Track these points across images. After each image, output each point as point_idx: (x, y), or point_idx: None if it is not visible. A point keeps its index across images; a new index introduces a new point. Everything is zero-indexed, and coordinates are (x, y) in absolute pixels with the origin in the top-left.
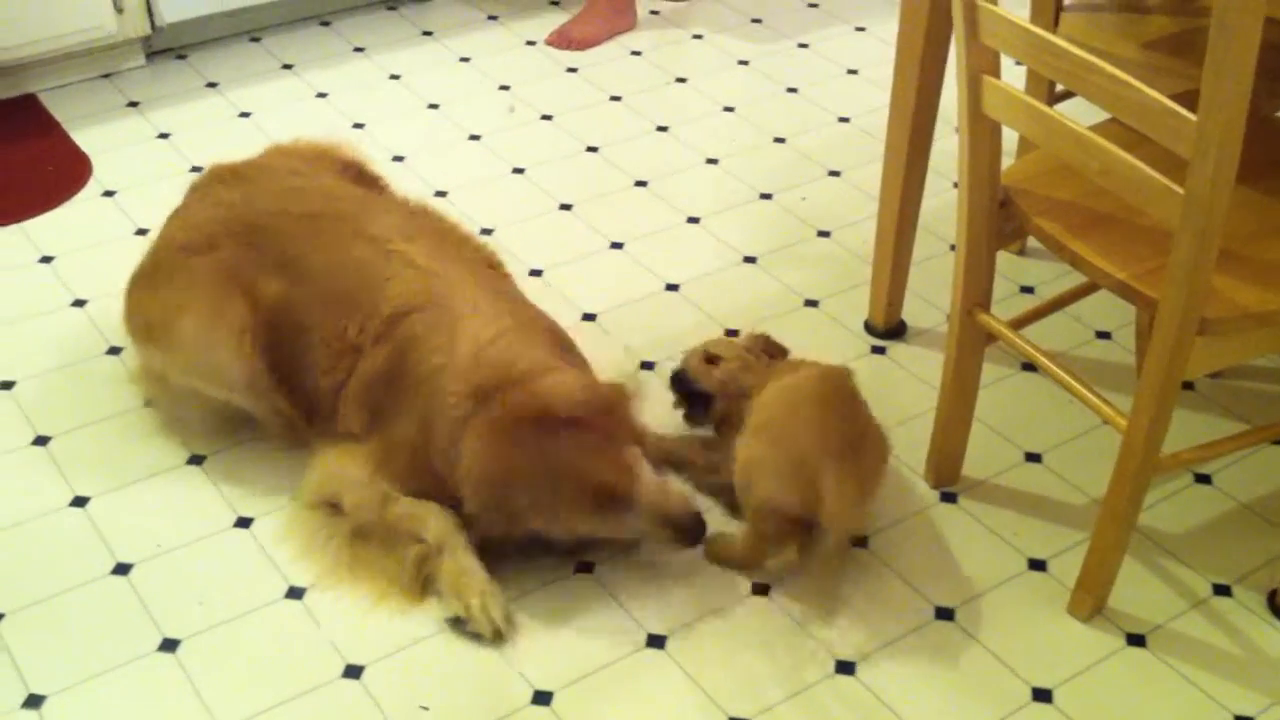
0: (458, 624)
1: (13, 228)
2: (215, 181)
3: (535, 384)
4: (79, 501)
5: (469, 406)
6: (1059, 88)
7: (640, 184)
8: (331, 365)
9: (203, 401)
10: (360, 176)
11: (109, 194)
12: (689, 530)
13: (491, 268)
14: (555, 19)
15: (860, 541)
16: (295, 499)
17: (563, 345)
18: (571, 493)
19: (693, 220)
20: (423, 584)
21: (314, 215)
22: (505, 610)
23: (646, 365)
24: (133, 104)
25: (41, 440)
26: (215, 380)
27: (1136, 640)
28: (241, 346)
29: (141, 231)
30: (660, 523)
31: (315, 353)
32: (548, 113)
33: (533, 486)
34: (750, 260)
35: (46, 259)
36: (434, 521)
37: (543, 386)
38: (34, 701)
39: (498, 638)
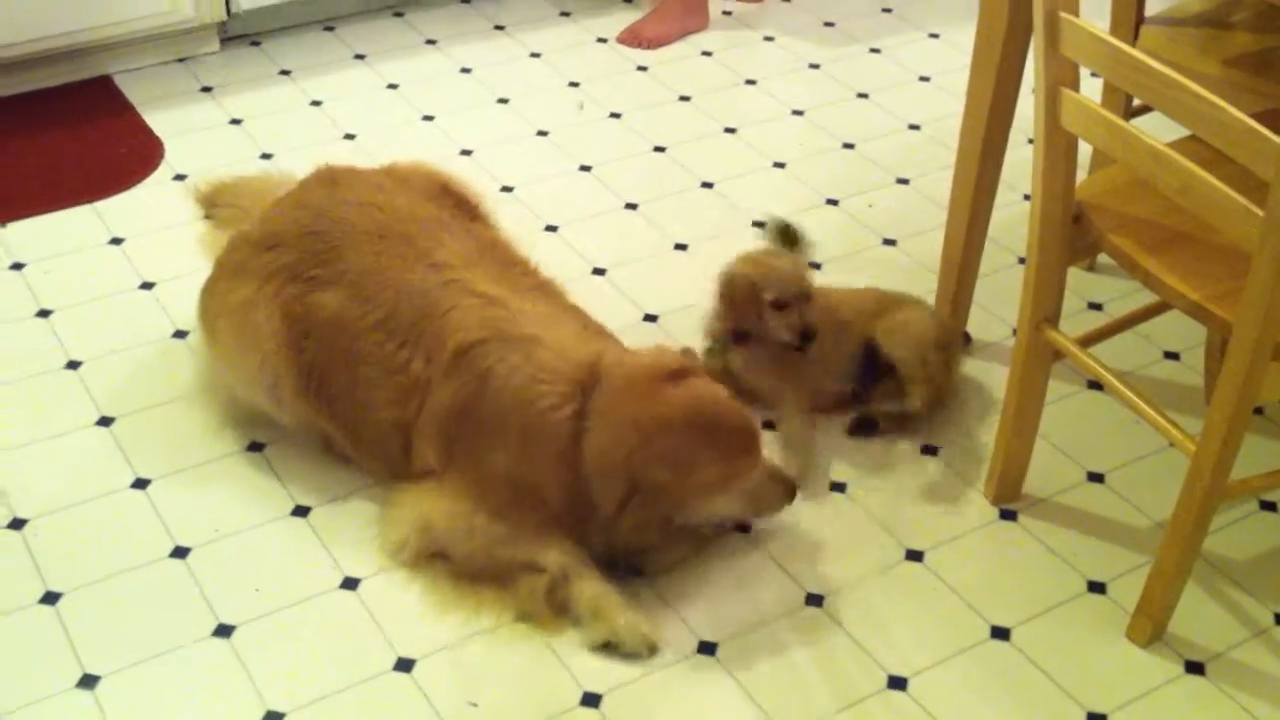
0: (607, 648)
1: (85, 208)
2: (315, 181)
3: (628, 361)
4: (140, 483)
5: (574, 403)
6: (1135, 101)
7: (706, 185)
8: (399, 399)
9: (241, 400)
10: (458, 202)
11: (180, 178)
12: (792, 485)
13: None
14: (627, 17)
15: (917, 556)
16: (393, 556)
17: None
18: (711, 438)
19: (759, 224)
20: (557, 612)
21: (379, 234)
22: (653, 626)
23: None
24: (206, 89)
25: (105, 421)
26: (244, 382)
27: (1195, 668)
28: (267, 354)
29: (211, 216)
30: (773, 477)
31: (375, 382)
32: (616, 111)
33: (671, 443)
34: (814, 266)
35: (117, 240)
36: (552, 550)
37: (636, 359)
38: (88, 681)
39: (653, 653)
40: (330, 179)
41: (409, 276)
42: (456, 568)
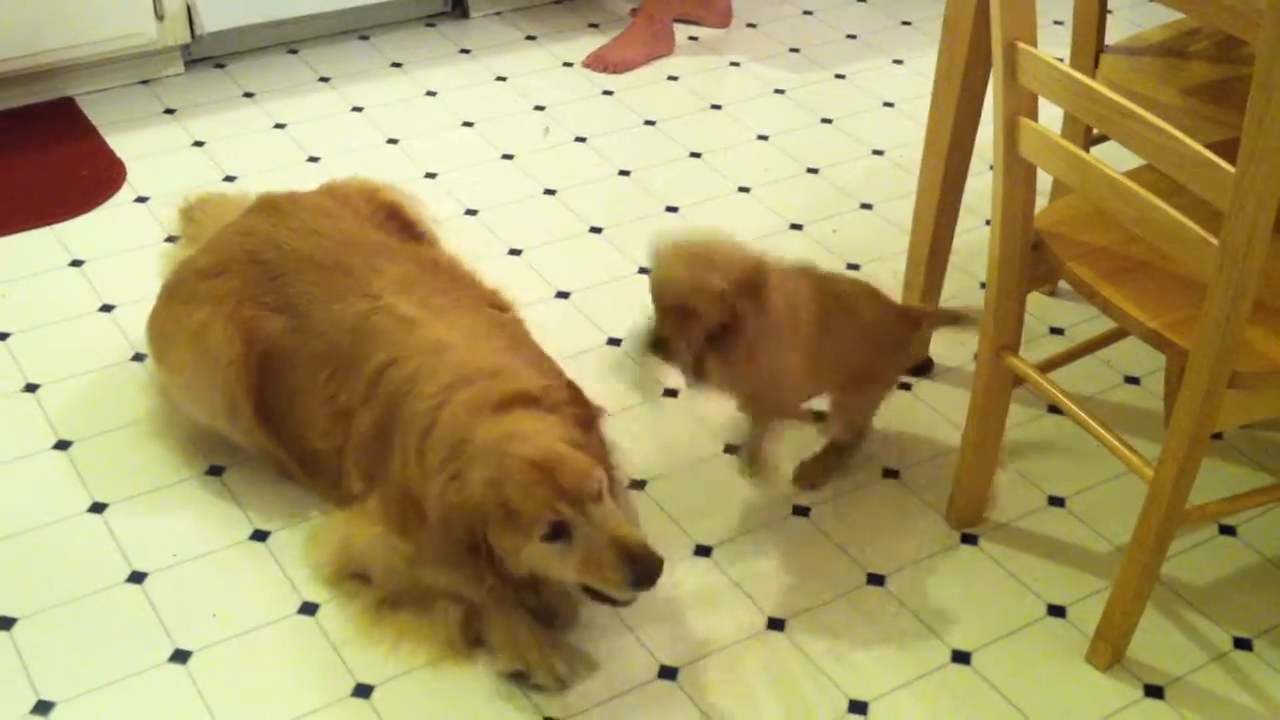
0: (518, 678)
1: (45, 230)
2: (257, 209)
3: (499, 381)
4: (97, 508)
5: (439, 397)
6: (1096, 129)
7: (671, 210)
8: (329, 428)
9: (199, 425)
10: (403, 224)
11: (141, 200)
12: (645, 565)
13: (498, 309)
14: (593, 41)
15: (878, 579)
16: (315, 575)
17: (552, 372)
18: (528, 464)
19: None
20: (471, 643)
21: (321, 262)
22: (567, 657)
23: (670, 393)
24: (169, 111)
25: (62, 445)
26: (202, 407)
27: (1155, 692)
28: (227, 378)
29: (172, 239)
30: (613, 545)
31: (311, 412)
32: (582, 135)
33: (492, 453)
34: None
35: (77, 263)
36: (470, 576)
37: (519, 379)
38: (43, 708)
39: (564, 687)
40: (272, 206)
41: (343, 308)
42: (378, 592)
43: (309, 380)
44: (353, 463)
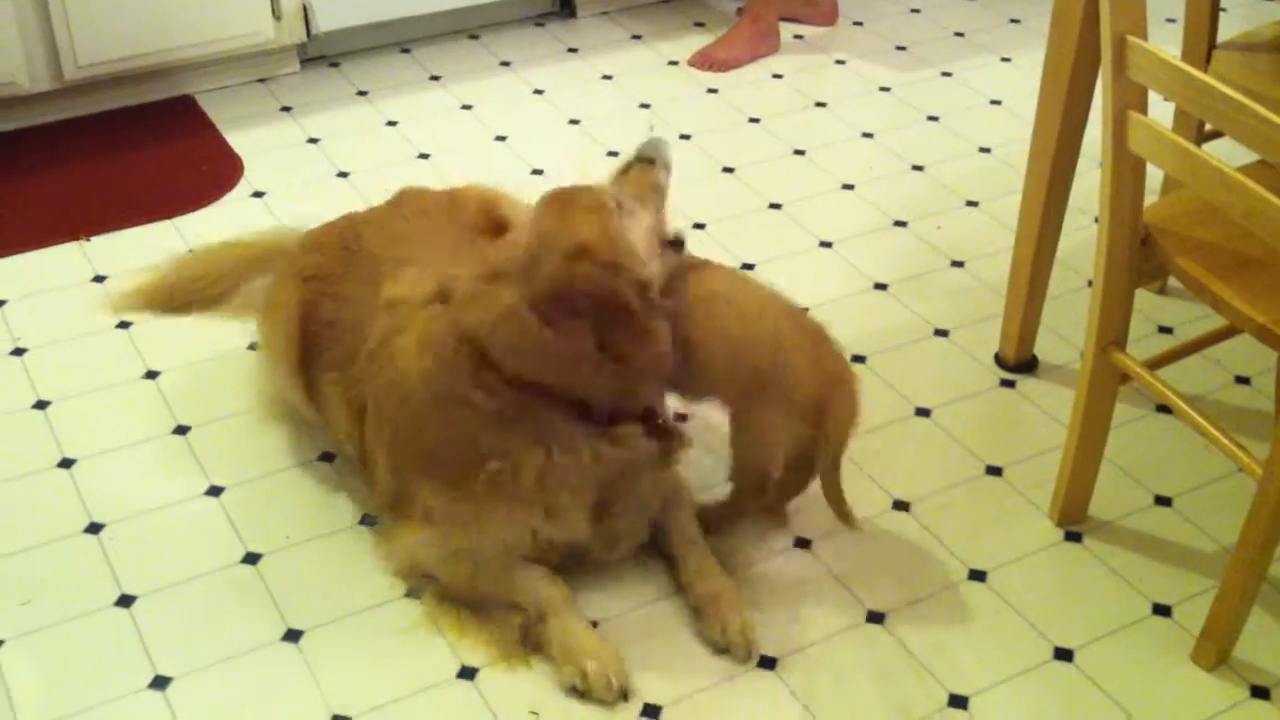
0: (575, 692)
1: (166, 223)
2: (393, 199)
3: None
4: (214, 491)
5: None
6: (1209, 126)
7: (775, 206)
8: (351, 429)
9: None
10: (501, 228)
11: (258, 195)
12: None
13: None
14: (698, 40)
15: (980, 576)
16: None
17: None
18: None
19: (825, 245)
20: (529, 650)
21: (378, 260)
22: (623, 669)
23: None
24: (285, 108)
25: (181, 430)
26: (270, 377)
27: (1260, 693)
28: (285, 353)
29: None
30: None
31: (338, 413)
32: (686, 132)
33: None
34: (881, 287)
35: None
36: (531, 586)
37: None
38: (160, 683)
39: (621, 699)
40: (399, 198)
41: (360, 312)
42: (443, 589)
43: (331, 386)
44: (376, 452)
